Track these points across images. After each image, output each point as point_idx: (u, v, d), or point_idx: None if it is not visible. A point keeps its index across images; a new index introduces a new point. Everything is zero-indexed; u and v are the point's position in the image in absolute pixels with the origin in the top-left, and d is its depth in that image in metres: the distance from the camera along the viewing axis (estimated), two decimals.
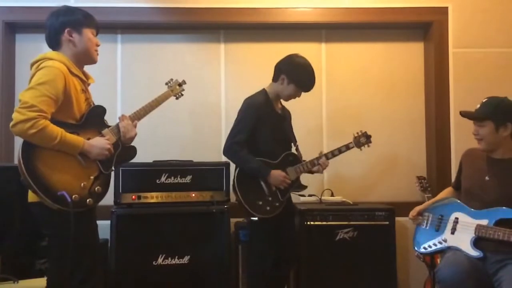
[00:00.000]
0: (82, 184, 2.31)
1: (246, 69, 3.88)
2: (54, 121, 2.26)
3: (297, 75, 3.00)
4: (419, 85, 3.96)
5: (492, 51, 3.83)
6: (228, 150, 2.99)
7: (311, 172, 3.15)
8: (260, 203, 2.93)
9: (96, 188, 2.37)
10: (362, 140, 3.22)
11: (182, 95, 2.96)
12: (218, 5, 3.74)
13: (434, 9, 3.80)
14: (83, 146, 2.32)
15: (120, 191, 3.27)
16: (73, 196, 2.24)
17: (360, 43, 3.95)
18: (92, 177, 2.36)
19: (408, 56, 3.96)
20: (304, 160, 3.15)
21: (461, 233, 2.67)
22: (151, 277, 3.17)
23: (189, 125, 3.87)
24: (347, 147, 3.19)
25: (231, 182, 3.08)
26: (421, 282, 3.48)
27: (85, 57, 2.48)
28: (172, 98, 2.91)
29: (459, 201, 2.83)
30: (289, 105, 3.26)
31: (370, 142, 3.25)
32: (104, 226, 3.32)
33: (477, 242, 2.60)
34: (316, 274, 3.30)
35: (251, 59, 3.89)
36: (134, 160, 3.48)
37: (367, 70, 3.93)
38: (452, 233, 2.71)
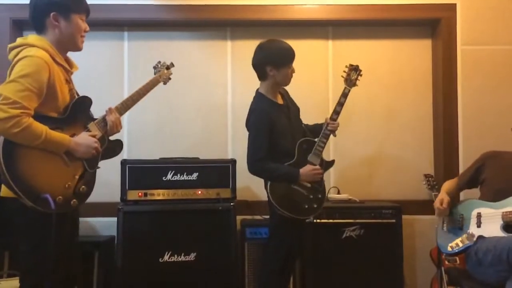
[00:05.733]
0: (66, 184, 2.17)
1: None
2: (36, 115, 2.09)
3: (279, 56, 2.88)
4: (427, 82, 3.93)
5: (500, 48, 3.80)
6: (253, 169, 2.86)
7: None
8: (306, 206, 2.84)
9: (81, 188, 2.22)
10: (353, 75, 3.04)
11: (170, 79, 2.80)
12: (224, 2, 3.74)
13: (442, 5, 3.77)
14: (69, 145, 2.16)
15: (127, 188, 3.28)
16: (57, 198, 2.10)
17: (367, 40, 3.93)
18: (77, 176, 2.21)
19: (416, 53, 3.93)
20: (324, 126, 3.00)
21: (488, 224, 2.69)
22: (157, 274, 3.17)
23: (195, 122, 3.88)
24: (344, 95, 3.01)
25: (271, 203, 2.84)
26: (427, 280, 3.46)
27: (70, 44, 2.30)
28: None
29: (475, 199, 2.84)
30: (295, 102, 3.25)
31: (361, 71, 3.06)
32: (110, 223, 3.36)
33: (508, 230, 2.62)
34: (322, 272, 3.30)
35: None
36: (141, 157, 3.55)
37: (374, 68, 3.90)
38: (478, 226, 2.71)
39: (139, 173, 3.32)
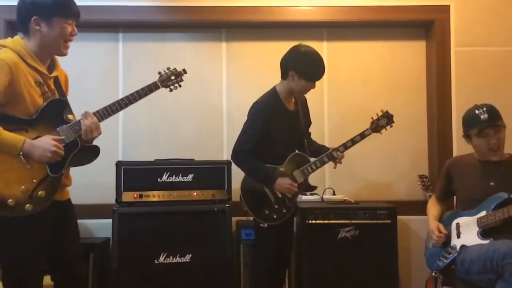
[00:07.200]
0: (22, 187, 2.09)
1: (248, 67, 3.87)
2: (1, 115, 2.08)
3: (305, 68, 2.84)
4: (421, 83, 3.95)
5: (494, 49, 3.81)
6: (235, 158, 2.93)
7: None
8: (267, 212, 2.87)
9: (38, 193, 2.12)
10: (382, 122, 2.99)
11: (178, 86, 2.61)
12: (219, 3, 3.74)
13: (436, 7, 3.79)
14: (23, 147, 2.06)
15: (122, 189, 3.27)
16: (8, 201, 2.05)
17: (362, 41, 3.94)
18: (35, 180, 2.12)
19: (410, 54, 3.95)
20: (327, 147, 3.04)
21: (466, 232, 2.72)
22: (153, 275, 3.17)
23: (190, 124, 3.87)
24: (362, 136, 2.95)
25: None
26: (422, 281, 3.47)
27: (52, 49, 2.24)
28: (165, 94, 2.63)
29: (453, 211, 2.87)
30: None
31: (393, 122, 2.99)
32: (105, 225, 3.34)
33: (485, 235, 2.64)
34: (318, 272, 3.29)
35: (252, 57, 3.88)
36: (136, 159, 3.54)
37: (369, 69, 3.92)
38: (458, 237, 2.75)
39: (134, 175, 3.31)
